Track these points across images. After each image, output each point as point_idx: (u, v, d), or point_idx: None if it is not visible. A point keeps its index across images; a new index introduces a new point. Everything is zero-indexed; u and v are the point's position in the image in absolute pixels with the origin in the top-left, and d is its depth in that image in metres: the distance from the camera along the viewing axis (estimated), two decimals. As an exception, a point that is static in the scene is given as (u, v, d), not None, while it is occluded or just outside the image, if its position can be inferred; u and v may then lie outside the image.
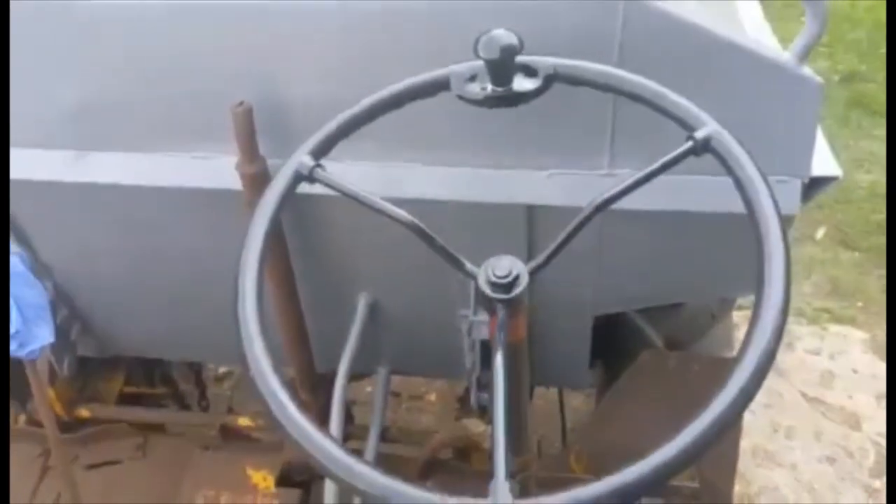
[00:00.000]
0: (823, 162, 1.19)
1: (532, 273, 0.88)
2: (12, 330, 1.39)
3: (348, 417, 1.78)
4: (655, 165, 0.88)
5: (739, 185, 0.84)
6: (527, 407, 1.25)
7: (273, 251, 1.32)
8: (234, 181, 1.25)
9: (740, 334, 0.77)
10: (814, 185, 1.18)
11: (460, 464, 1.73)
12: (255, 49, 1.16)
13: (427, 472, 1.68)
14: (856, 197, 3.54)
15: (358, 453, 0.74)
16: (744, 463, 2.49)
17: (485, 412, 1.62)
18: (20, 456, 1.80)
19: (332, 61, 1.16)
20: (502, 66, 0.92)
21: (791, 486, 2.49)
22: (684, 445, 0.69)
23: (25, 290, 1.41)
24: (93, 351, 1.76)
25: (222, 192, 1.27)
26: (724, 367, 0.74)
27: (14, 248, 1.43)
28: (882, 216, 3.42)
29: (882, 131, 3.85)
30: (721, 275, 1.36)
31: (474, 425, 1.65)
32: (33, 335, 1.41)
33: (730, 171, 0.86)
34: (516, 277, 0.86)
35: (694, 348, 1.70)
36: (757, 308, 0.76)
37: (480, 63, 0.93)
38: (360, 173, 1.21)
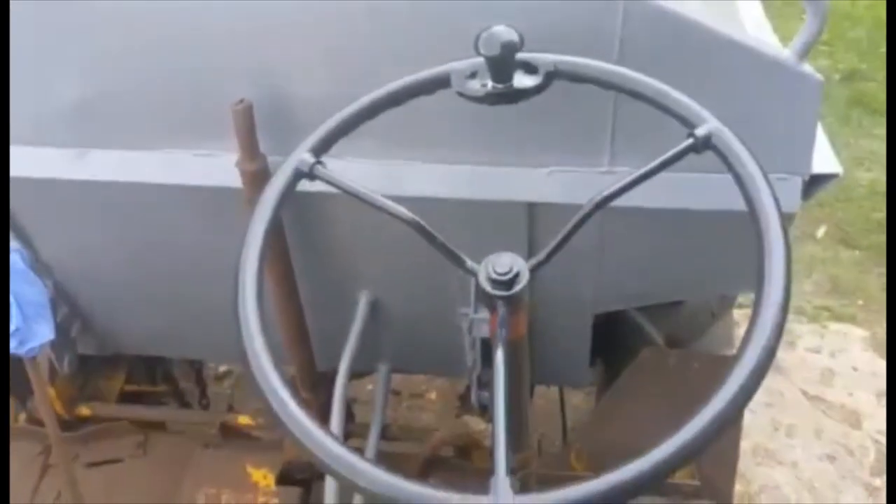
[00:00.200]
0: (824, 159, 1.19)
1: (532, 270, 0.87)
2: (12, 327, 1.39)
3: (349, 415, 1.78)
4: (656, 162, 0.88)
5: (740, 183, 0.84)
6: (527, 404, 1.25)
7: (273, 249, 1.32)
8: (234, 179, 1.25)
9: (741, 332, 0.77)
10: (814, 183, 1.18)
11: (461, 461, 1.73)
12: (256, 46, 1.16)
13: (428, 469, 1.68)
14: (856, 195, 3.54)
15: (358, 451, 0.74)
16: (744, 461, 2.49)
17: (485, 410, 1.62)
18: (21, 454, 1.80)
19: (333, 59, 1.16)
20: (503, 63, 0.92)
21: (792, 485, 2.49)
22: (683, 443, 0.69)
23: (25, 287, 1.41)
24: (93, 349, 1.76)
25: (223, 189, 1.27)
26: (725, 365, 0.74)
27: (14, 245, 1.43)
28: (882, 214, 3.42)
29: (882, 130, 3.86)
30: (721, 272, 1.36)
31: (475, 423, 1.65)
32: (33, 333, 1.41)
33: (730, 168, 0.85)
34: (517, 274, 0.86)
35: (694, 346, 1.70)
36: (757, 305, 0.76)
37: (481, 60, 0.93)
38: (360, 171, 1.21)
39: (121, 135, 1.29)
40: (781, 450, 2.57)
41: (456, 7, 1.07)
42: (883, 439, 2.58)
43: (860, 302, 3.09)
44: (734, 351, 0.75)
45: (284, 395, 0.77)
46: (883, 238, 3.30)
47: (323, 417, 1.41)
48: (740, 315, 1.89)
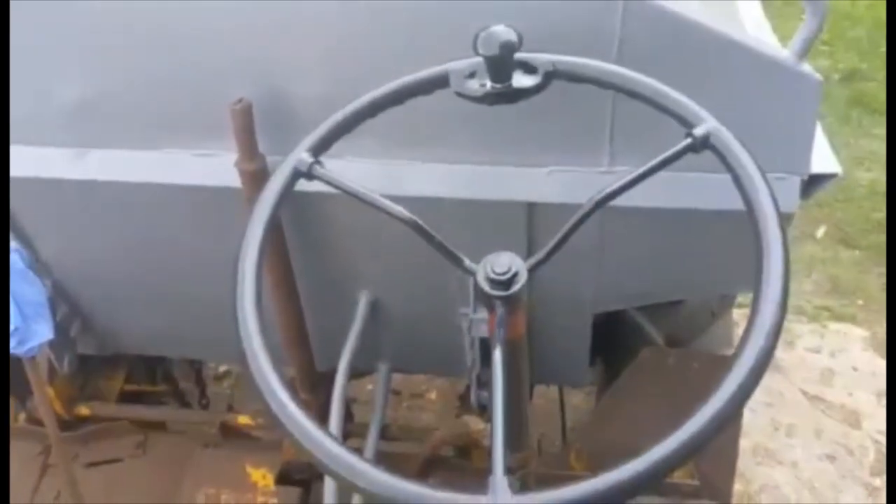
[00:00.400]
0: (823, 159, 1.19)
1: (531, 270, 0.88)
2: (11, 327, 1.39)
3: (348, 415, 1.78)
4: (654, 162, 0.88)
5: (738, 182, 0.84)
6: (526, 404, 1.25)
7: (273, 249, 1.32)
8: (234, 178, 1.25)
9: (740, 332, 0.77)
10: (813, 183, 1.18)
11: (461, 461, 1.73)
12: (255, 46, 1.17)
13: (427, 469, 1.68)
14: (856, 195, 3.54)
15: (357, 451, 0.74)
16: (744, 461, 2.49)
17: (485, 410, 1.62)
18: (20, 454, 1.80)
19: (332, 59, 1.16)
20: (501, 63, 0.92)
21: (792, 485, 2.49)
22: (681, 442, 0.69)
23: (24, 287, 1.41)
24: (93, 348, 1.76)
25: (222, 189, 1.27)
26: (724, 365, 0.74)
27: (13, 245, 1.43)
28: (882, 214, 3.42)
29: (882, 130, 3.86)
30: (721, 272, 1.36)
31: (475, 423, 1.65)
32: (32, 332, 1.41)
33: (729, 167, 0.85)
34: (515, 274, 0.86)
35: (694, 346, 1.70)
36: (755, 305, 0.76)
37: (480, 60, 0.93)
38: (359, 170, 1.21)
39: (120, 135, 1.29)
40: (781, 449, 2.57)
41: (455, 7, 1.07)
42: (883, 439, 2.58)
43: (860, 302, 3.09)
44: (734, 350, 0.75)
45: (283, 395, 0.77)
46: (883, 238, 3.30)
47: (322, 418, 1.42)
48: (740, 315, 1.89)
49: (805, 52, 1.07)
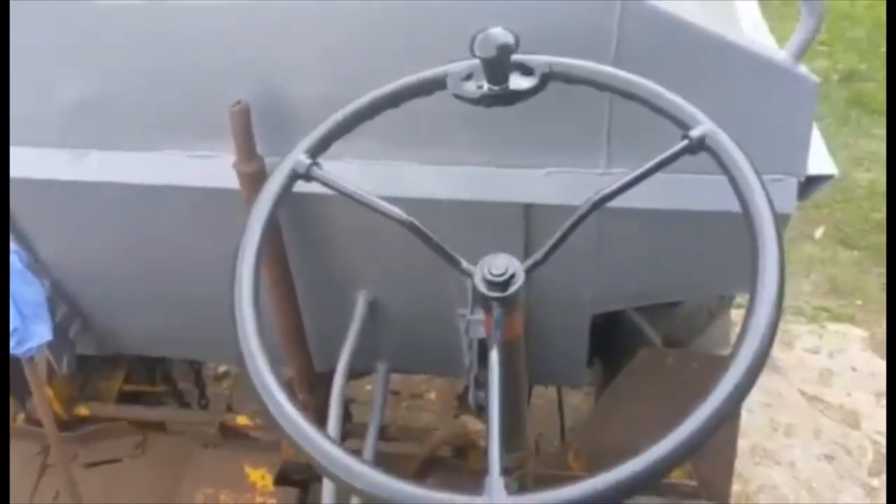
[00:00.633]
0: (820, 160, 1.19)
1: (528, 271, 0.88)
2: (10, 327, 1.39)
3: (347, 416, 1.79)
4: (651, 164, 0.89)
5: (734, 184, 0.84)
6: (524, 404, 1.25)
7: (271, 249, 1.33)
8: (232, 180, 1.25)
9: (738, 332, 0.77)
10: (810, 184, 1.19)
11: (459, 461, 1.73)
12: (253, 48, 1.17)
13: (426, 470, 1.68)
14: (855, 196, 3.54)
15: (355, 452, 0.74)
16: (743, 461, 2.49)
17: (483, 410, 1.62)
18: (19, 454, 1.80)
19: (330, 60, 1.16)
20: (498, 65, 0.92)
21: (790, 485, 2.49)
22: (678, 442, 0.69)
23: (23, 287, 1.42)
24: (92, 349, 1.76)
25: (221, 190, 1.27)
26: (722, 365, 0.74)
27: (12, 245, 1.44)
28: (881, 215, 3.42)
29: (881, 130, 3.86)
30: (719, 272, 1.36)
31: (473, 423, 1.65)
32: (31, 333, 1.41)
33: (725, 169, 0.86)
34: (512, 276, 0.86)
35: (692, 346, 1.70)
36: (751, 306, 0.76)
37: (477, 62, 0.93)
38: (357, 171, 1.22)
39: (119, 136, 1.29)
40: (780, 450, 2.58)
41: (452, 8, 1.07)
42: (881, 439, 2.58)
43: (859, 302, 3.09)
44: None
45: (280, 395, 0.77)
46: (882, 238, 3.30)
47: (321, 418, 1.42)
48: (738, 315, 1.89)
49: (802, 53, 1.07)
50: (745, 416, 2.50)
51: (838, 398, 2.73)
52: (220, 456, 1.80)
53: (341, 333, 1.47)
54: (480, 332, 1.36)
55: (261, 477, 1.75)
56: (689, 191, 1.17)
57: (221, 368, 2.65)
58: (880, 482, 2.47)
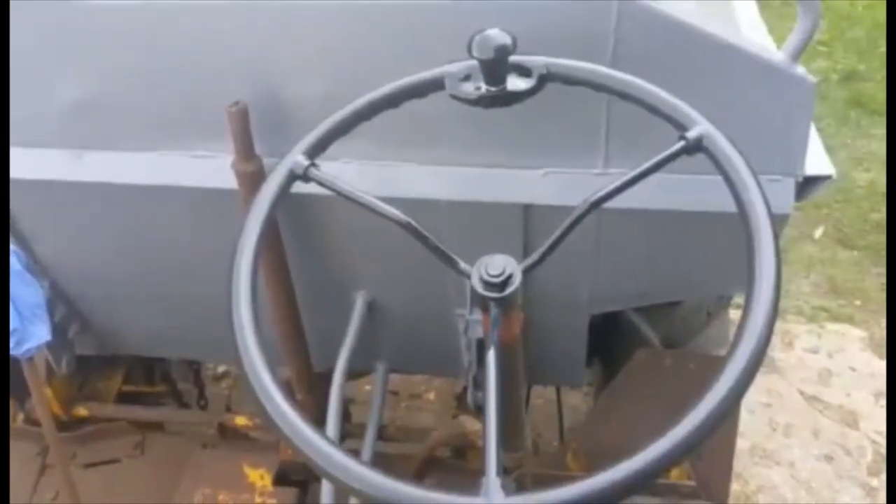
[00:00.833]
0: (817, 161, 1.19)
1: (525, 272, 0.88)
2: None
3: (346, 416, 1.79)
4: (648, 164, 0.89)
5: (730, 184, 0.85)
6: (522, 404, 1.26)
7: (269, 250, 1.33)
8: (231, 180, 1.25)
9: (737, 332, 0.77)
10: (808, 185, 1.19)
11: (457, 462, 1.73)
12: (252, 49, 1.17)
13: (425, 470, 1.68)
14: (854, 196, 3.55)
15: (354, 452, 0.74)
16: (742, 461, 2.49)
17: (481, 411, 1.62)
18: (18, 454, 1.80)
19: (328, 61, 1.16)
20: (496, 66, 0.92)
21: (789, 485, 2.49)
22: (675, 442, 0.69)
23: (22, 288, 1.42)
24: (91, 349, 1.76)
25: (219, 191, 1.27)
26: (720, 366, 0.74)
27: (10, 246, 1.44)
28: (880, 215, 3.42)
29: (881, 130, 3.86)
30: (717, 273, 1.37)
31: (471, 423, 1.65)
32: (30, 333, 1.41)
33: (721, 170, 0.86)
34: (509, 276, 0.86)
35: (690, 346, 1.70)
36: (747, 307, 0.76)
37: (474, 63, 0.93)
38: (355, 172, 1.22)
39: (118, 136, 1.29)
40: (779, 450, 2.58)
41: (450, 9, 1.07)
42: (880, 439, 2.58)
43: (858, 302, 3.09)
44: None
45: (277, 396, 0.77)
46: (881, 238, 3.30)
47: (320, 419, 1.42)
48: (737, 315, 1.89)
49: (799, 54, 1.07)
50: (745, 416, 2.50)
51: (837, 398, 2.73)
52: (218, 456, 1.80)
53: (340, 333, 1.47)
54: (479, 333, 1.36)
55: (259, 477, 1.75)
56: (686, 191, 1.17)
57: (220, 369, 2.65)
58: (879, 482, 2.48)
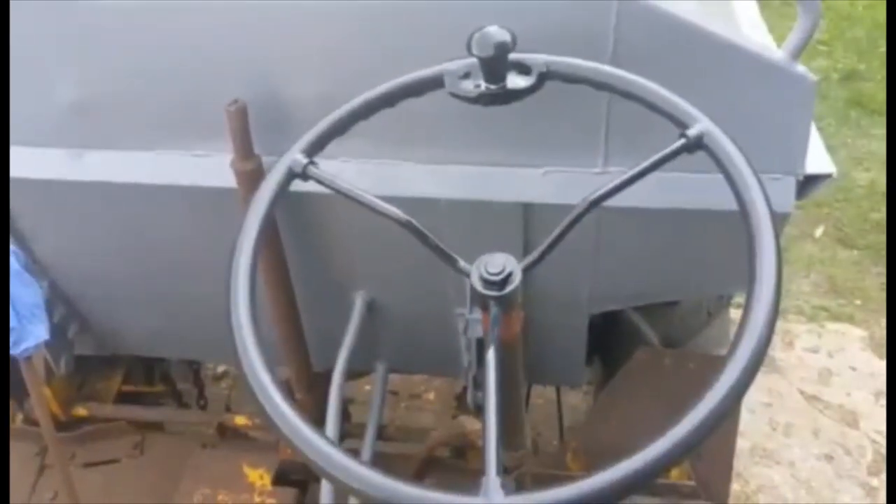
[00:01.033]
0: (818, 160, 1.19)
1: (525, 270, 0.88)
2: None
3: (346, 416, 1.78)
4: (648, 162, 0.88)
5: (731, 183, 0.84)
6: (522, 404, 1.26)
7: (269, 249, 1.33)
8: (230, 179, 1.25)
9: (736, 332, 0.77)
10: (809, 183, 1.18)
11: (457, 462, 1.73)
12: (251, 47, 1.17)
13: (424, 470, 1.68)
14: (855, 195, 3.54)
15: (354, 452, 0.74)
16: (742, 461, 2.49)
17: (481, 410, 1.62)
18: (17, 454, 1.80)
19: (327, 59, 1.16)
20: (496, 64, 0.92)
21: (789, 484, 2.49)
22: (674, 442, 0.69)
23: (20, 288, 1.41)
24: (91, 349, 1.76)
25: (218, 189, 1.27)
26: (720, 365, 0.74)
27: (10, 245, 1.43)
28: (880, 214, 3.42)
29: (881, 130, 3.86)
30: (716, 272, 1.36)
31: (471, 423, 1.65)
32: (28, 333, 1.41)
33: (722, 168, 0.86)
34: (509, 275, 0.86)
35: (690, 346, 1.70)
36: (748, 306, 0.76)
37: (474, 60, 0.93)
38: (354, 171, 1.22)
39: (117, 136, 1.29)
40: (779, 449, 2.57)
41: (450, 8, 1.07)
42: (880, 439, 2.58)
43: (858, 302, 3.09)
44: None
45: (277, 396, 0.77)
46: (881, 238, 3.30)
47: (319, 418, 1.42)
48: (737, 315, 1.88)
49: (799, 53, 1.07)
50: (745, 416, 2.50)
51: (837, 398, 2.73)
52: (218, 456, 1.80)
53: (339, 333, 1.47)
54: (479, 332, 1.36)
55: (259, 477, 1.75)
56: (686, 190, 1.17)
57: (220, 369, 2.65)
58: (880, 482, 2.47)
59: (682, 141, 0.88)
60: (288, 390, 0.79)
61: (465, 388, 1.66)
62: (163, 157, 1.29)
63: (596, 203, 0.89)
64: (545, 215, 1.22)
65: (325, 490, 1.36)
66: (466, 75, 0.96)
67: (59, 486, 1.75)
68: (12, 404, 1.86)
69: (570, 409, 2.31)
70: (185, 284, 1.51)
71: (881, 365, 2.82)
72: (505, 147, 1.20)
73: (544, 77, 0.95)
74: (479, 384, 1.51)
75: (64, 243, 1.49)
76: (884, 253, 3.22)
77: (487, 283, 0.86)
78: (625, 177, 0.89)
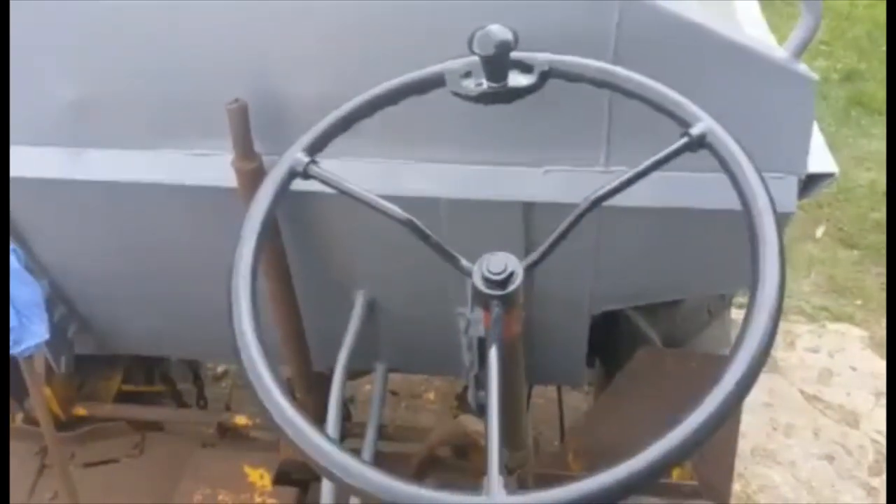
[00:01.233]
0: (820, 159, 1.19)
1: (527, 269, 0.87)
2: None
3: (346, 416, 1.78)
4: (651, 161, 0.88)
5: (734, 181, 0.84)
6: (523, 403, 1.25)
7: (269, 248, 1.32)
8: (230, 178, 1.25)
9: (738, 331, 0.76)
10: (811, 183, 1.18)
11: (458, 461, 1.73)
12: (251, 46, 1.16)
13: (425, 469, 1.68)
14: (855, 195, 3.54)
15: (354, 452, 0.74)
16: (743, 461, 2.49)
17: (483, 410, 1.62)
18: (17, 454, 1.80)
19: (328, 58, 1.16)
20: (497, 63, 0.92)
21: (790, 485, 2.49)
22: (676, 442, 0.69)
23: (20, 287, 1.41)
24: (91, 348, 1.76)
25: (219, 189, 1.27)
26: (722, 365, 0.73)
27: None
28: (881, 214, 3.42)
29: (881, 129, 3.86)
30: (718, 271, 1.36)
31: (472, 423, 1.64)
32: (28, 332, 1.41)
33: (725, 166, 0.85)
34: (511, 274, 0.85)
35: (691, 346, 1.70)
36: (751, 305, 0.76)
37: (476, 59, 0.93)
38: (355, 170, 1.21)
39: (117, 135, 1.29)
40: (780, 450, 2.57)
41: (451, 7, 1.07)
42: (881, 439, 2.58)
43: (858, 302, 3.09)
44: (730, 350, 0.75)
45: (278, 395, 0.77)
46: (881, 238, 3.30)
47: (320, 418, 1.42)
48: (738, 314, 1.88)
49: (801, 52, 1.07)
50: (746, 416, 2.49)
51: (838, 398, 2.73)
52: (218, 456, 1.80)
53: (340, 333, 1.46)
54: (480, 331, 1.35)
55: (259, 477, 1.74)
56: (688, 189, 1.17)
57: (220, 368, 2.65)
58: (880, 482, 2.47)
59: (685, 140, 0.88)
60: (288, 390, 0.78)
61: (465, 388, 1.65)
62: (163, 157, 1.29)
63: (598, 202, 0.89)
64: (547, 214, 1.22)
65: (326, 490, 1.36)
66: (468, 74, 0.96)
67: (58, 486, 1.74)
68: (12, 404, 1.86)
69: (571, 409, 2.31)
70: (186, 284, 1.51)
71: (882, 365, 2.82)
72: (507, 146, 1.20)
73: (546, 76, 0.95)
74: (481, 384, 1.50)
75: (64, 243, 1.49)
76: (884, 253, 3.22)
77: (489, 282, 0.85)
78: (627, 175, 0.89)
